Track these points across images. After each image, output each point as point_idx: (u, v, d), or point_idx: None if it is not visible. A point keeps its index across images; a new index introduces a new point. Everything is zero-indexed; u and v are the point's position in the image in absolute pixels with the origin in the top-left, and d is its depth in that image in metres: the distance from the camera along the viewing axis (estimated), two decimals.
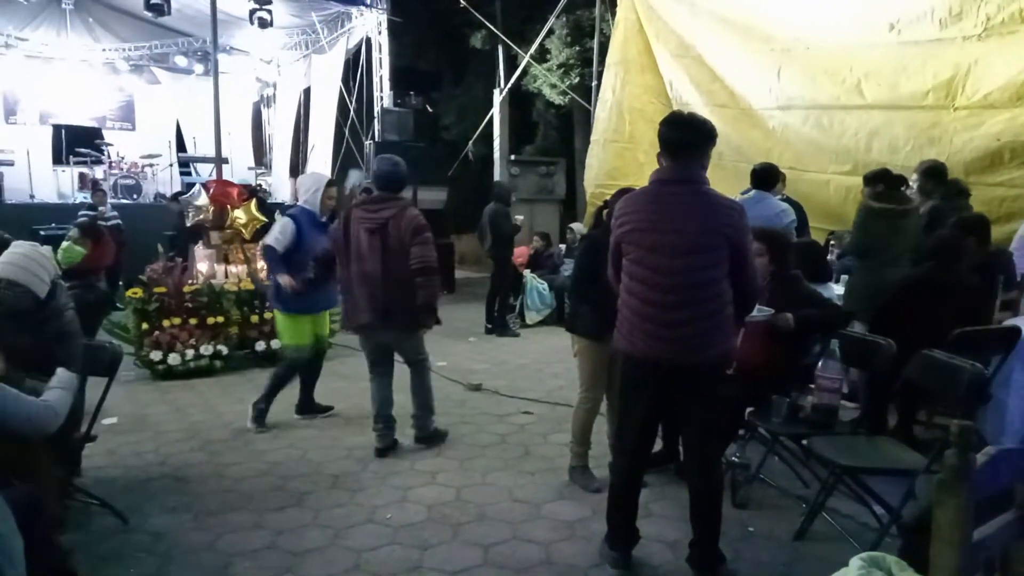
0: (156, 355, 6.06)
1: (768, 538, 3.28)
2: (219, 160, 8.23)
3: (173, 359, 6.07)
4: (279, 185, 15.20)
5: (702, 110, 8.20)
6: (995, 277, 4.47)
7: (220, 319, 6.42)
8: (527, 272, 9.12)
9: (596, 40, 10.91)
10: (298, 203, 4.96)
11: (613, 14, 9.88)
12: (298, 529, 3.39)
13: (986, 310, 4.20)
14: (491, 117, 13.37)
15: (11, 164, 12.04)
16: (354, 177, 13.44)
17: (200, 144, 14.69)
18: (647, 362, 2.81)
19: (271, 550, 3.20)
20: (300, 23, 13.70)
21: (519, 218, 8.37)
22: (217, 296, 6.45)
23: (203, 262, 6.81)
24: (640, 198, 2.88)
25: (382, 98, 13.08)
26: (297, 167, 15.05)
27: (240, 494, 3.80)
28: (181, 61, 14.96)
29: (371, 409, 4.43)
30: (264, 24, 11.56)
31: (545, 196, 13.96)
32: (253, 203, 7.04)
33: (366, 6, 12.64)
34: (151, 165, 13.24)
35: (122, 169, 12.71)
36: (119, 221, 9.43)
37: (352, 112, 13.18)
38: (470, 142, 13.95)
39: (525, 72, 13.51)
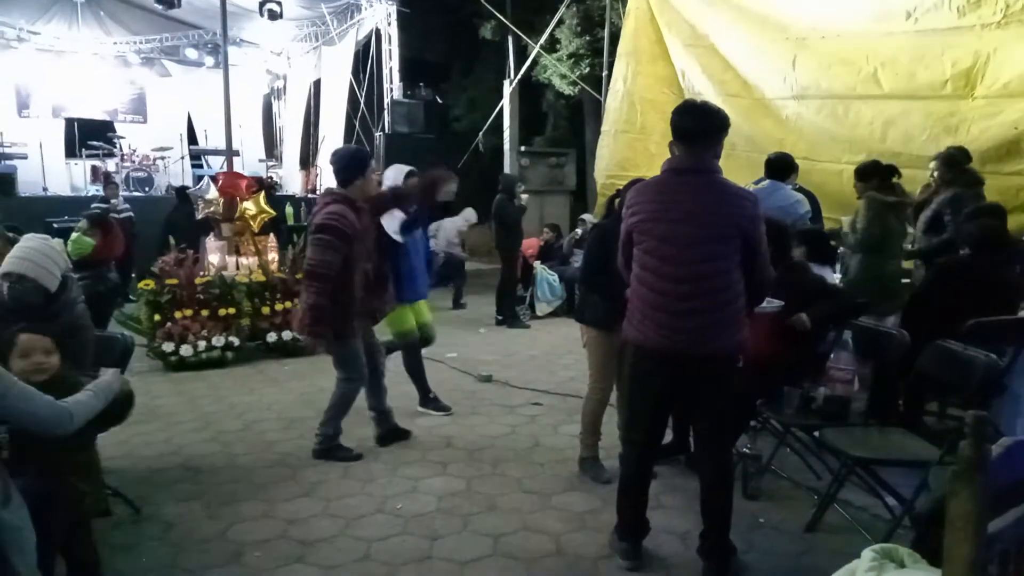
0: (168, 346, 6.10)
1: (779, 529, 3.27)
2: (230, 152, 8.25)
3: (185, 350, 6.10)
4: (290, 177, 15.23)
5: (714, 100, 8.13)
6: (1014, 268, 4.41)
7: (231, 310, 6.45)
8: (537, 263, 9.10)
9: (607, 30, 10.83)
10: None
11: (623, 3, 9.80)
12: (309, 519, 3.41)
13: (1014, 303, 4.13)
14: (501, 108, 13.32)
15: (24, 157, 12.11)
16: None
17: (211, 136, 14.74)
18: (657, 352, 2.79)
19: (282, 539, 3.21)
20: (310, 15, 13.68)
21: (524, 196, 8.30)
22: (228, 288, 6.48)
23: (214, 254, 6.83)
24: (652, 187, 2.85)
25: (392, 89, 13.06)
26: (307, 159, 15.06)
27: (251, 484, 3.82)
28: (191, 54, 14.98)
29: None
30: (274, 16, 11.56)
31: (555, 187, 13.92)
32: (262, 195, 7.06)
33: None
34: (163, 158, 13.29)
35: (134, 162, 12.76)
36: (131, 213, 9.46)
37: (362, 104, 13.16)
38: (480, 133, 13.90)
39: (535, 63, 13.44)
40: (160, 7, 11.92)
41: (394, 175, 4.75)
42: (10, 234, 4.64)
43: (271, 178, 12.48)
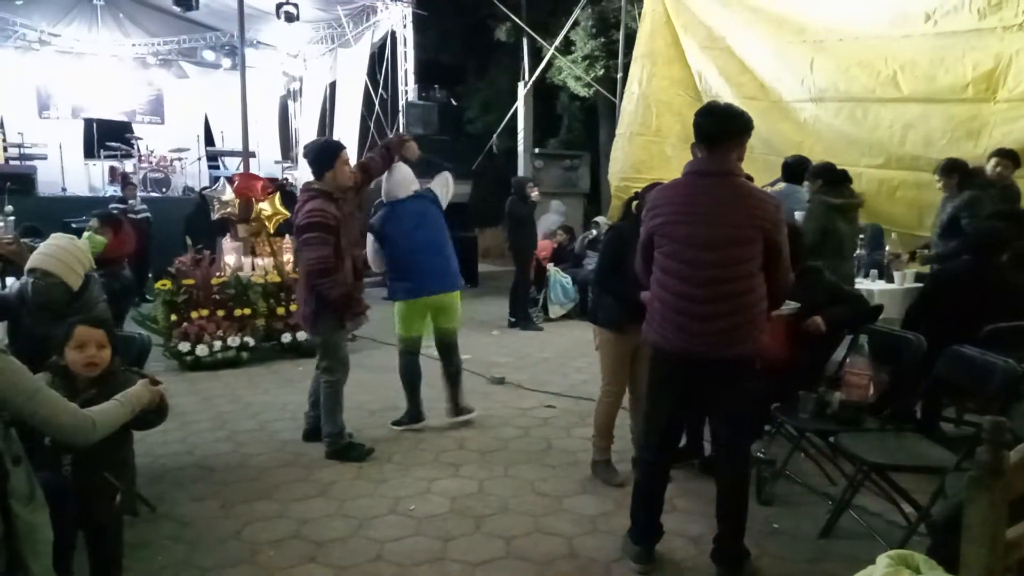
0: (184, 346, 6.15)
1: (793, 535, 3.24)
2: (246, 154, 8.32)
3: (201, 350, 6.15)
4: (305, 178, 15.24)
5: (731, 102, 8.10)
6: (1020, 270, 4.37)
7: (247, 311, 6.50)
8: (550, 266, 9.09)
9: (622, 32, 10.82)
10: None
11: (639, 5, 9.79)
12: (322, 519, 3.43)
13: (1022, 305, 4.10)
14: (515, 110, 13.33)
15: (44, 158, 12.25)
16: None
17: (228, 138, 14.84)
18: (677, 356, 2.78)
19: (295, 539, 3.23)
20: (326, 17, 13.76)
21: (535, 193, 8.26)
22: (244, 288, 6.53)
23: (230, 254, 6.89)
24: (674, 190, 2.83)
25: (407, 91, 13.10)
26: None
27: (265, 484, 3.85)
28: (209, 55, 15.10)
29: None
30: (290, 18, 11.63)
31: (569, 189, 13.90)
32: (277, 196, 7.10)
33: (391, 0, 12.67)
34: (180, 159, 13.40)
35: (151, 163, 12.86)
36: (148, 214, 9.56)
37: (377, 106, 13.21)
38: (494, 135, 13.93)
39: (550, 64, 13.45)
40: (178, 9, 12.02)
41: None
42: (24, 239, 4.71)
43: (287, 179, 12.52)
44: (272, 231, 6.96)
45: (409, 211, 4.49)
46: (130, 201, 9.47)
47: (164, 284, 6.36)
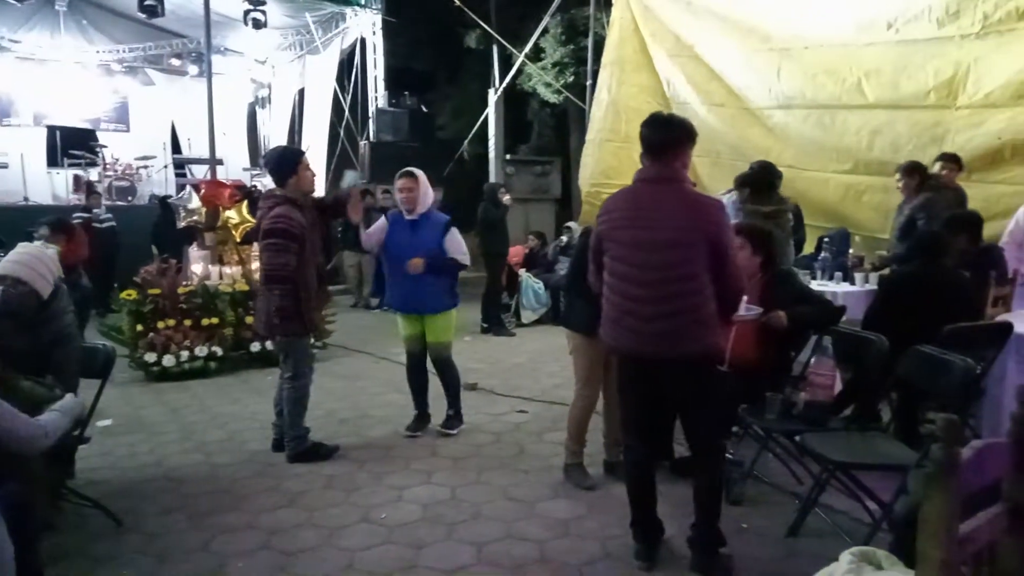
0: (151, 357, 6.06)
1: (762, 535, 3.29)
2: (213, 161, 8.24)
3: (168, 360, 6.06)
4: (274, 186, 15.12)
5: (700, 109, 8.21)
6: (987, 272, 4.49)
7: (215, 320, 6.42)
8: (522, 271, 9.12)
9: (591, 39, 10.90)
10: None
11: (607, 13, 9.88)
12: (292, 529, 3.39)
13: (975, 304, 4.21)
14: (486, 117, 13.36)
15: (5, 166, 11.97)
16: (349, 178, 13.37)
17: (195, 145, 14.63)
18: (632, 356, 2.87)
19: (265, 550, 3.20)
20: (294, 23, 13.68)
21: (507, 198, 8.31)
22: (212, 297, 6.45)
23: (197, 263, 6.80)
24: (622, 196, 2.94)
25: (377, 98, 13.08)
26: None
27: (234, 495, 3.80)
28: (175, 62, 14.92)
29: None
30: (258, 25, 11.54)
31: (540, 195, 13.97)
32: (244, 204, 7.03)
33: (360, 6, 12.63)
34: (146, 167, 13.20)
35: (117, 171, 12.65)
36: (114, 223, 9.40)
37: (347, 112, 13.16)
38: (465, 142, 13.94)
39: (520, 71, 13.50)
40: (144, 16, 11.86)
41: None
42: None
43: (255, 187, 12.38)
44: (239, 239, 6.88)
45: (407, 227, 4.52)
46: (95, 210, 9.29)
47: (130, 294, 6.26)
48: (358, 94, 13.12)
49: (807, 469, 3.68)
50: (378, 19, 12.82)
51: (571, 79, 13.49)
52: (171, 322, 6.23)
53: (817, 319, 3.70)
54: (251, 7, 11.25)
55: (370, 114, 13.01)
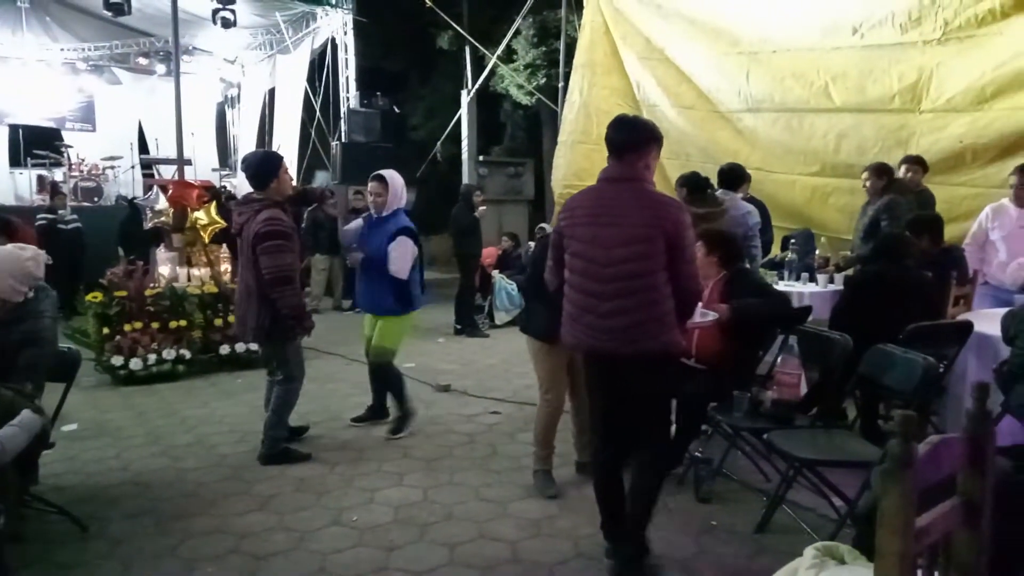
0: (117, 360, 5.95)
1: (730, 531, 3.33)
2: (181, 162, 8.12)
3: (135, 364, 5.96)
4: (244, 186, 14.95)
5: (669, 111, 8.28)
6: (948, 273, 4.60)
7: (183, 323, 6.33)
8: (496, 273, 9.13)
9: (562, 41, 10.96)
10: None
11: (579, 15, 9.93)
12: (262, 532, 3.36)
13: (937, 304, 4.31)
14: (459, 118, 13.36)
15: None
16: (320, 179, 13.31)
17: (163, 145, 14.43)
18: (593, 354, 2.91)
19: (235, 554, 3.17)
20: (264, 23, 13.55)
21: (482, 208, 8.31)
22: (179, 299, 6.36)
23: (165, 265, 6.70)
24: (585, 194, 2.98)
25: (348, 99, 13.00)
26: None
27: (203, 499, 3.75)
28: (143, 61, 14.70)
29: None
30: (227, 24, 11.40)
31: (514, 196, 13.98)
32: (213, 205, 6.95)
33: (331, 6, 12.55)
34: (112, 167, 12.98)
35: (82, 171, 12.42)
36: (79, 225, 9.22)
37: (318, 113, 13.07)
38: (438, 143, 13.92)
39: (492, 73, 13.52)
40: (110, 14, 11.65)
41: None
42: None
43: (224, 187, 12.24)
44: (208, 240, 6.80)
45: (371, 224, 4.63)
46: (60, 211, 9.11)
47: (96, 296, 6.15)
48: (329, 94, 13.04)
49: (775, 467, 3.74)
50: (349, 19, 12.75)
51: (543, 81, 13.56)
52: (138, 325, 6.13)
53: (768, 312, 3.73)
54: (220, 6, 11.10)
55: (342, 114, 12.93)
